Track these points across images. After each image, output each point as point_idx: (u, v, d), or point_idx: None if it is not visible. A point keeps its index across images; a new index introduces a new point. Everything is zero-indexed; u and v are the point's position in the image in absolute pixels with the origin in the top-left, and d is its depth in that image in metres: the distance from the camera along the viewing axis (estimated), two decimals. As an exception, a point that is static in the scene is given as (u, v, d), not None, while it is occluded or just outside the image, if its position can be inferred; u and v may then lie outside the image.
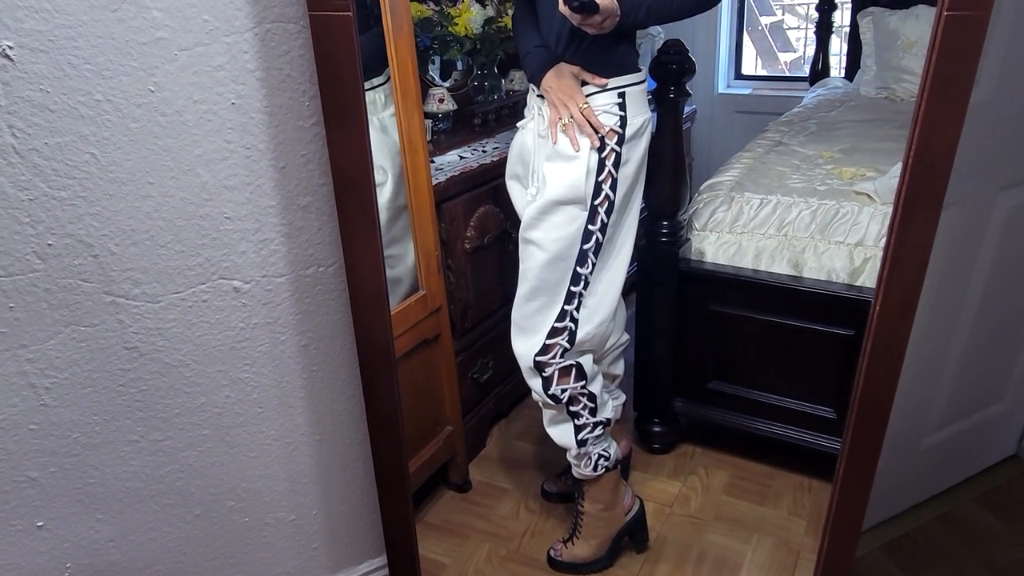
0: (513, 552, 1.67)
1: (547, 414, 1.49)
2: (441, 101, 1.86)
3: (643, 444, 1.98)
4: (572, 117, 1.30)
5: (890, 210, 1.69)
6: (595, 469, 1.50)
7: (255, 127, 0.88)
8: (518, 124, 1.43)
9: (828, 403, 1.78)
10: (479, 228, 1.83)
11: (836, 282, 1.72)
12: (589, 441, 1.47)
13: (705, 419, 1.93)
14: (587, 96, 1.29)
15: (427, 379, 1.71)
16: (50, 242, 0.83)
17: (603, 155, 1.28)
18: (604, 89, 1.28)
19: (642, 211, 1.47)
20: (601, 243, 1.34)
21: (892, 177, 1.77)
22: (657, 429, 1.96)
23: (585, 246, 1.33)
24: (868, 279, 1.69)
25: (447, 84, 2.04)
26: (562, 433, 1.48)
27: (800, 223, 1.78)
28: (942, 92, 0.72)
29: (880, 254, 1.69)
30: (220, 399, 1.00)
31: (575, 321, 1.38)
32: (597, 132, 1.30)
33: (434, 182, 1.62)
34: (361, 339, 0.96)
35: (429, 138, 1.78)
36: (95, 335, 0.90)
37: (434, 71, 2.03)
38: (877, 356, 0.81)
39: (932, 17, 2.83)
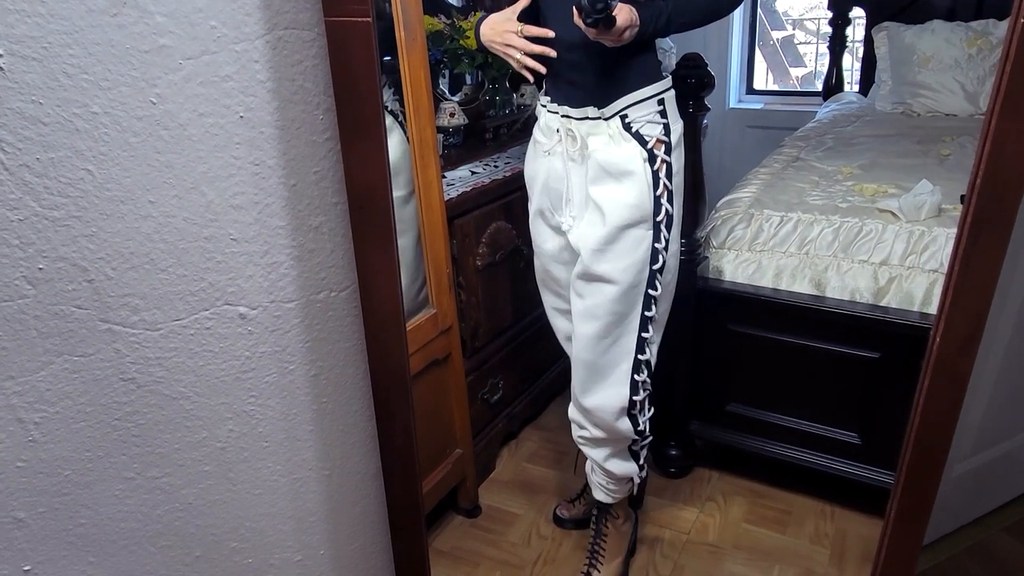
0: (525, 581, 1.63)
1: (601, 452, 1.44)
2: (452, 115, 1.82)
3: (659, 467, 1.94)
4: (521, 53, 1.21)
5: (916, 228, 1.67)
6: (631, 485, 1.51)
7: (264, 142, 0.82)
8: (544, 150, 1.32)
9: (851, 428, 1.73)
10: (491, 244, 1.79)
11: (860, 302, 1.68)
12: (643, 463, 1.49)
13: (722, 442, 1.89)
14: (629, 106, 1.22)
15: (436, 401, 1.66)
16: (41, 266, 0.77)
17: (655, 168, 1.22)
18: (644, 98, 1.22)
19: None
20: (667, 261, 1.29)
21: (917, 195, 1.73)
22: (673, 452, 1.92)
23: (654, 266, 1.27)
24: (894, 299, 1.65)
25: (457, 98, 2.00)
26: (626, 466, 1.45)
27: (822, 241, 1.74)
28: (1014, 109, 0.66)
29: (906, 273, 1.66)
30: (223, 433, 0.93)
31: (651, 348, 1.35)
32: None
33: (446, 198, 1.57)
34: (376, 368, 0.90)
35: (440, 152, 1.74)
36: (89, 365, 0.83)
37: (444, 85, 1.99)
38: (936, 393, 0.75)
39: (948, 32, 2.80)
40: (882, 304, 1.67)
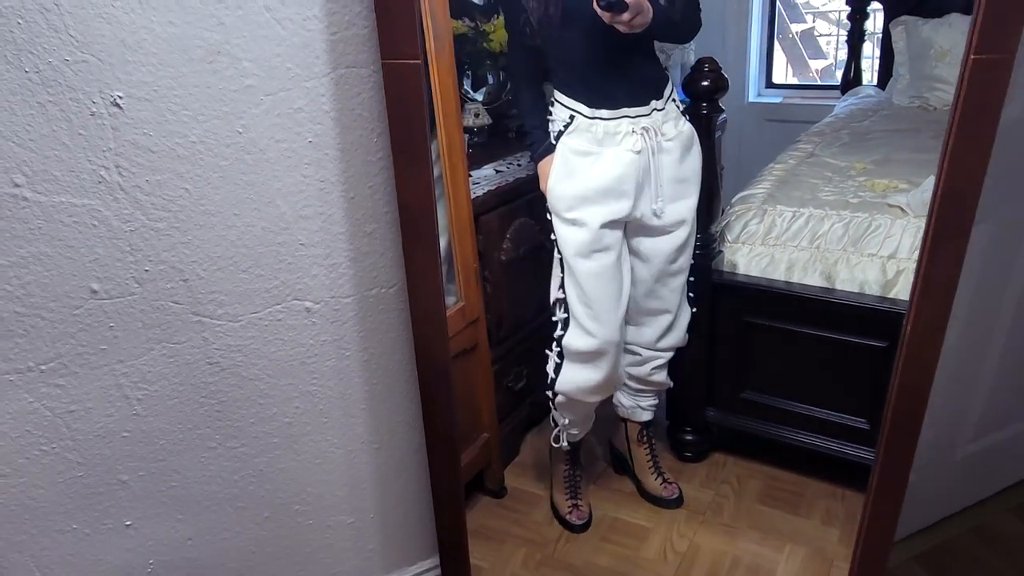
0: (548, 557, 1.69)
1: (655, 362, 1.71)
2: (477, 116, 1.89)
3: (675, 452, 1.99)
4: None
5: (923, 223, 1.72)
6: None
7: (328, 162, 0.96)
8: (631, 149, 1.42)
9: (861, 414, 1.78)
10: (515, 240, 1.85)
11: (869, 294, 1.72)
12: None
13: (738, 428, 1.93)
14: (672, 89, 1.47)
15: (464, 388, 1.73)
16: (147, 268, 0.92)
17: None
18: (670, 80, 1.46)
19: None
20: None
21: (924, 191, 1.78)
22: (689, 438, 1.97)
23: None
24: (901, 291, 1.68)
25: (480, 97, 2.07)
26: (665, 373, 1.75)
27: (833, 236, 1.79)
28: (969, 131, 0.77)
29: (913, 267, 1.71)
30: (290, 410, 1.08)
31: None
32: None
33: (472, 196, 1.65)
34: (421, 357, 1.04)
35: (466, 151, 1.82)
36: (182, 351, 0.99)
37: (467, 84, 2.06)
38: (909, 370, 0.86)
39: (966, 26, 2.81)
40: (890, 296, 1.70)
